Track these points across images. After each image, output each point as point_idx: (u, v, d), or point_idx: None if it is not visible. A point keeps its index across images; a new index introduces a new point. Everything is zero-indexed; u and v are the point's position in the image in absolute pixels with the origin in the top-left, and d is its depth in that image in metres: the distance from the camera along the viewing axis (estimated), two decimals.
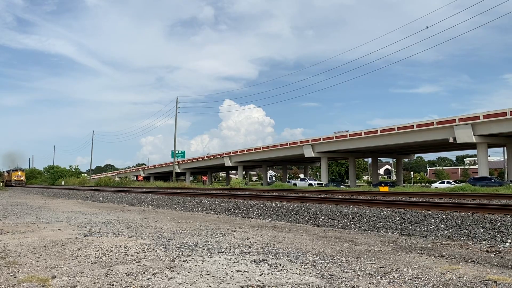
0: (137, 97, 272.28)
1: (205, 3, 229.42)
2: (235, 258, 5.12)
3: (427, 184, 75.89)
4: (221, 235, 7.29)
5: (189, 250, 5.73)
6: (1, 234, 7.53)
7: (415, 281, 4.00)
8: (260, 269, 4.51)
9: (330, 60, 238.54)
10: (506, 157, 51.77)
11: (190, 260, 4.98)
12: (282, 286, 3.84)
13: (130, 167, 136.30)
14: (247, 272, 4.39)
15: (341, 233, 7.99)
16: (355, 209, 11.35)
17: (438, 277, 4.15)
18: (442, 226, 8.31)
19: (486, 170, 41.76)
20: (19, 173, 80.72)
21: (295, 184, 61.28)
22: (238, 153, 72.56)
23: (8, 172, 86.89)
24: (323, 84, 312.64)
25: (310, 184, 58.25)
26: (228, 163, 74.49)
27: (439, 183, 49.32)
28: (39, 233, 7.66)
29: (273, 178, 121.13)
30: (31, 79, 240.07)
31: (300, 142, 61.12)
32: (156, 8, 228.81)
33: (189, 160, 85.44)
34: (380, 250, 5.88)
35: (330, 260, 5.02)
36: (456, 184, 42.61)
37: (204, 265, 4.70)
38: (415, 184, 77.05)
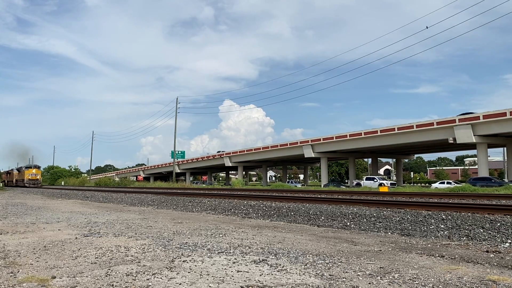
0: (137, 97, 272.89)
1: (205, 3, 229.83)
2: (235, 259, 5.12)
3: (427, 184, 75.88)
4: (221, 235, 7.28)
5: (189, 250, 5.72)
6: (1, 234, 7.52)
7: (415, 281, 4.00)
8: (260, 270, 4.51)
9: (330, 60, 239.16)
10: (506, 157, 51.78)
11: (190, 261, 4.97)
12: (282, 286, 3.84)
13: (130, 167, 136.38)
14: (247, 272, 4.38)
15: (341, 233, 7.99)
16: (355, 209, 11.35)
17: (438, 277, 4.15)
18: (442, 226, 8.31)
19: (486, 170, 41.76)
20: (33, 170, 64.99)
21: (358, 184, 48.65)
22: (238, 153, 72.59)
23: (18, 170, 71.77)
24: (323, 84, 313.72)
25: (382, 185, 44.03)
26: (228, 163, 74.54)
27: (439, 183, 49.30)
28: (39, 233, 7.66)
29: (273, 178, 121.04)
30: (31, 79, 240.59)
31: (300, 142, 61.12)
32: (156, 8, 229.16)
33: (189, 160, 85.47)
34: (380, 250, 5.88)
35: (330, 261, 5.01)
36: (456, 185, 42.59)
37: (204, 266, 4.70)
38: (415, 184, 77.02)
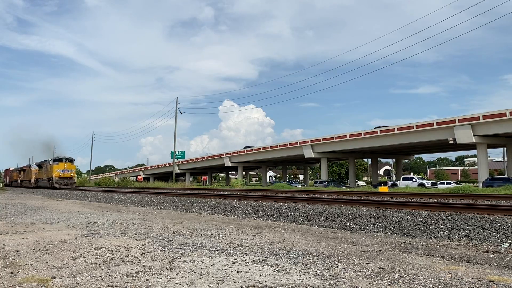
0: (137, 98, 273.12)
1: (205, 3, 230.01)
2: (235, 259, 5.12)
3: None
4: (221, 235, 7.28)
5: (189, 250, 5.72)
6: (1, 234, 7.52)
7: (415, 281, 4.00)
8: (260, 270, 4.51)
9: (329, 61, 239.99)
10: (506, 158, 51.76)
11: (190, 261, 4.97)
12: (282, 286, 3.84)
13: (130, 168, 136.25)
14: (247, 272, 4.38)
15: (341, 233, 7.99)
16: (355, 209, 11.34)
17: (438, 278, 4.15)
18: (442, 226, 8.31)
19: (486, 170, 41.71)
20: (65, 165, 46.60)
21: (394, 185, 42.28)
22: (238, 153, 72.55)
23: (40, 165, 52.64)
24: (323, 84, 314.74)
25: (422, 185, 40.86)
26: (228, 163, 74.47)
27: (439, 183, 49.28)
28: (39, 233, 7.66)
29: (273, 178, 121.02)
30: (31, 79, 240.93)
31: (300, 142, 61.05)
32: (156, 9, 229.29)
33: (189, 160, 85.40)
34: (380, 250, 5.88)
35: (330, 261, 5.01)
36: (456, 185, 42.51)
37: (204, 266, 4.70)
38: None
